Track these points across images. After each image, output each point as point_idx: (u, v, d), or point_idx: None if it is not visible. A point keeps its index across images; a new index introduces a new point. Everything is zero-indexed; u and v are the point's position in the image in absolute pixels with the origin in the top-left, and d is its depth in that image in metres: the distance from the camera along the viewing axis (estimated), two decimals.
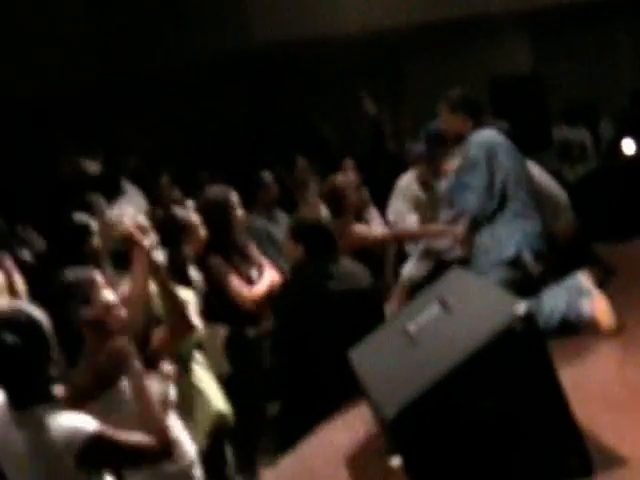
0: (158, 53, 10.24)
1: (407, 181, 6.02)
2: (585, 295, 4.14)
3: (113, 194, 6.60)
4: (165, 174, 7.11)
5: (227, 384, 4.41)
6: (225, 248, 4.79)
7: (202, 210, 4.87)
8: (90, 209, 5.59)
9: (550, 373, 2.48)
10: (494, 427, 2.46)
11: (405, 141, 10.72)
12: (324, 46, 11.31)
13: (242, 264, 4.82)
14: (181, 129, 11.18)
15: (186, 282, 4.33)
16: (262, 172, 6.19)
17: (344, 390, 3.59)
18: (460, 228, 4.74)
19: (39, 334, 2.74)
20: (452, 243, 5.05)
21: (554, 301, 4.06)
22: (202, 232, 4.63)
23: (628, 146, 9.14)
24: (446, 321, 2.74)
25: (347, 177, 5.36)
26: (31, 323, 2.74)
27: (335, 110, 11.89)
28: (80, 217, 4.80)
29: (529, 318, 2.43)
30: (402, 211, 5.85)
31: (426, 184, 5.78)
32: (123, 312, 3.26)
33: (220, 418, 4.14)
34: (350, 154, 8.63)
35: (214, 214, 4.80)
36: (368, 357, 2.99)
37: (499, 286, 3.49)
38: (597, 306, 4.06)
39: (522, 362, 2.46)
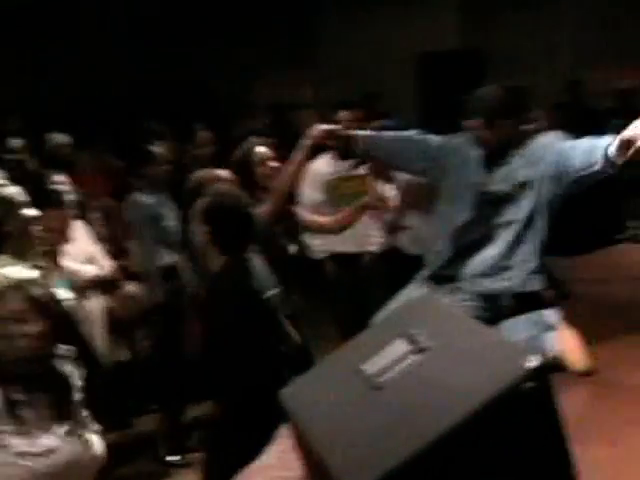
0: None
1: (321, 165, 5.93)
2: (550, 330, 4.01)
3: None
4: None
5: None
6: None
7: None
8: None
9: (561, 442, 2.25)
10: None
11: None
12: None
13: None
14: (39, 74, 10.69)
15: None
16: (152, 144, 5.92)
17: None
18: None
19: None
20: None
21: (513, 335, 3.88)
22: None
23: None
24: (420, 365, 2.46)
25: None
26: None
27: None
28: None
29: (542, 374, 2.19)
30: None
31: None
32: None
33: None
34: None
35: None
36: (310, 402, 2.68)
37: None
38: (566, 343, 3.95)
39: (530, 427, 2.21)
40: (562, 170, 4.05)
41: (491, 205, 4.20)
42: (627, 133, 3.54)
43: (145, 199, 5.74)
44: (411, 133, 4.64)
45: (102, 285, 5.16)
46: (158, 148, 5.93)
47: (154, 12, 11.36)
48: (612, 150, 3.69)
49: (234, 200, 4.15)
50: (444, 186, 4.43)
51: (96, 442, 3.25)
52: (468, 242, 4.22)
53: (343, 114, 5.93)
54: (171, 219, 5.71)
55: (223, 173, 5.03)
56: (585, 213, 6.24)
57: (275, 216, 4.76)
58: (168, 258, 5.65)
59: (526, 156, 4.20)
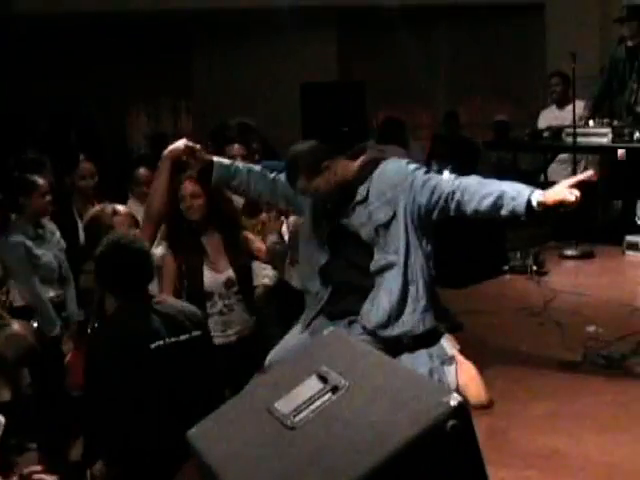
0: None
1: None
2: (449, 362, 4.03)
3: None
4: None
5: None
6: None
7: None
8: None
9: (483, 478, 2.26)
10: None
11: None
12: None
13: None
14: None
15: None
16: (33, 173, 5.81)
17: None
18: None
19: None
20: None
21: (414, 368, 3.88)
22: None
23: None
24: (335, 404, 2.43)
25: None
26: None
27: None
28: None
29: (462, 412, 2.19)
30: None
31: None
32: None
33: None
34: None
35: None
36: (220, 442, 2.62)
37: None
38: (465, 375, 3.96)
39: (452, 465, 2.20)
40: (438, 205, 4.08)
41: (357, 247, 4.18)
42: (562, 196, 3.82)
43: (19, 239, 5.57)
44: (264, 169, 4.61)
45: None
46: (39, 178, 5.78)
47: (29, 43, 11.12)
48: (537, 202, 3.86)
49: (125, 248, 3.99)
50: (303, 224, 4.42)
51: None
52: (347, 285, 4.23)
53: (237, 148, 5.84)
54: (47, 255, 5.59)
55: (119, 207, 4.89)
56: (471, 245, 6.34)
57: (152, 239, 4.63)
58: (52, 292, 5.54)
59: (378, 189, 4.14)
